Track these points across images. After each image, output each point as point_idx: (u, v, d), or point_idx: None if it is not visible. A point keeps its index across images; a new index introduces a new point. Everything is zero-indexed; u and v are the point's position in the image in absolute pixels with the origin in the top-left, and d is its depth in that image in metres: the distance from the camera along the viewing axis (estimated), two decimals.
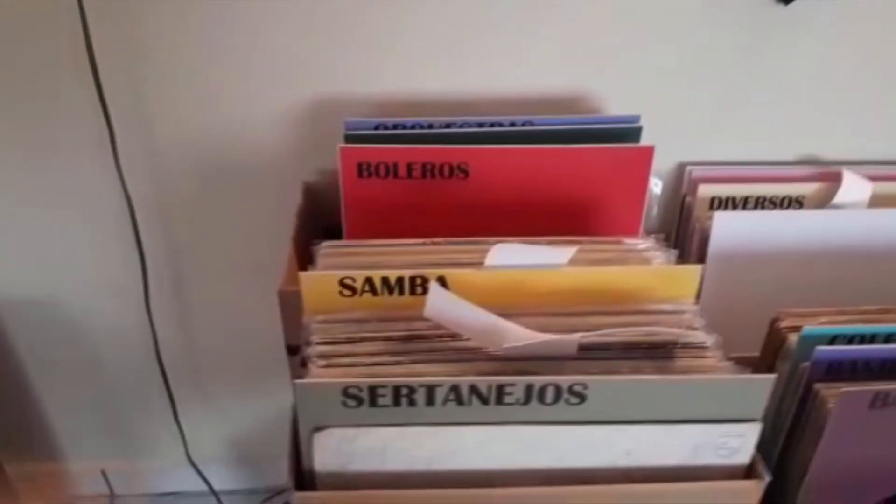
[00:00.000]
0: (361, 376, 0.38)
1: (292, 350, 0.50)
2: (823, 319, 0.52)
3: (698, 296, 0.46)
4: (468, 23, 0.61)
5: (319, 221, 0.62)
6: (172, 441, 0.83)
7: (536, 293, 0.42)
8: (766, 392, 0.37)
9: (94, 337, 0.76)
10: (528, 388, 0.35)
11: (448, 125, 0.57)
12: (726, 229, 0.62)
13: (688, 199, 0.67)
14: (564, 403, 0.35)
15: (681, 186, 0.69)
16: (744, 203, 0.66)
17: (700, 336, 0.41)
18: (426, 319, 0.41)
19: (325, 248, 0.47)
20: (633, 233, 0.56)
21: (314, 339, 0.41)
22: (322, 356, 0.39)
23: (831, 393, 0.46)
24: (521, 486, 0.37)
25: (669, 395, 0.36)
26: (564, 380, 0.35)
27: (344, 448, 0.36)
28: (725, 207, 0.66)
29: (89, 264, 0.71)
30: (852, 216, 0.63)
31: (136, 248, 0.68)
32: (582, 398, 0.35)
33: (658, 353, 0.40)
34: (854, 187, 0.65)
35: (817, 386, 0.48)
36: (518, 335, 0.38)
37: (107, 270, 0.71)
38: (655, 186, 0.57)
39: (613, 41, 0.63)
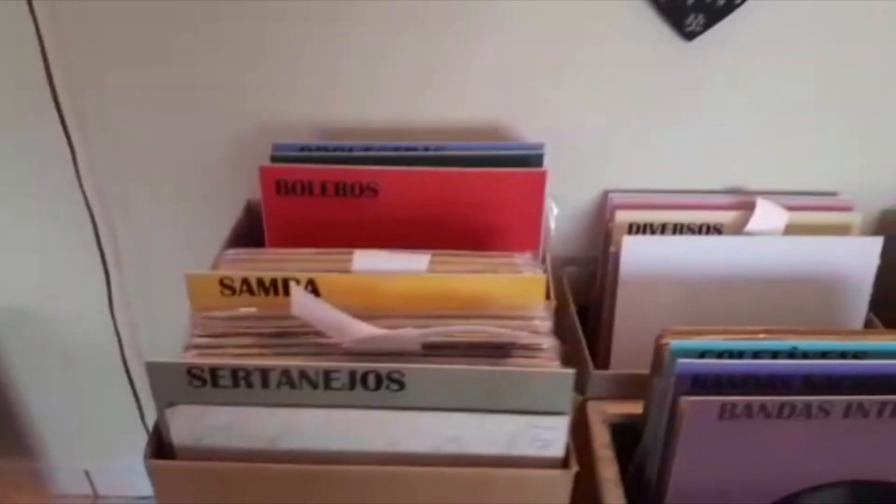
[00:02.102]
0: None
1: None
2: (702, 337, 0.54)
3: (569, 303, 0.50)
4: (400, 57, 0.67)
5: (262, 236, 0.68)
6: None
7: (397, 296, 0.46)
8: (569, 386, 0.40)
9: (67, 342, 0.83)
10: (352, 374, 0.39)
11: (367, 149, 0.62)
12: (635, 253, 0.65)
13: (609, 224, 0.70)
14: (386, 390, 0.39)
15: (604, 213, 0.72)
16: (661, 229, 0.69)
17: (538, 339, 0.44)
18: (297, 318, 0.46)
19: (229, 255, 0.52)
20: (532, 250, 0.59)
21: (195, 332, 0.46)
22: (196, 346, 0.44)
23: (686, 403, 0.49)
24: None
25: (482, 384, 0.39)
26: (383, 367, 0.39)
27: (195, 424, 0.41)
28: (643, 233, 0.69)
29: (56, 273, 0.78)
30: (760, 242, 0.65)
31: (98, 257, 0.75)
32: (401, 385, 0.39)
33: (496, 353, 0.43)
34: (768, 215, 0.67)
35: (680, 398, 0.50)
36: (364, 332, 0.43)
37: (72, 279, 0.78)
38: (551, 210, 0.61)
39: (538, 76, 0.67)
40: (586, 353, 0.63)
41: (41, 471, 0.97)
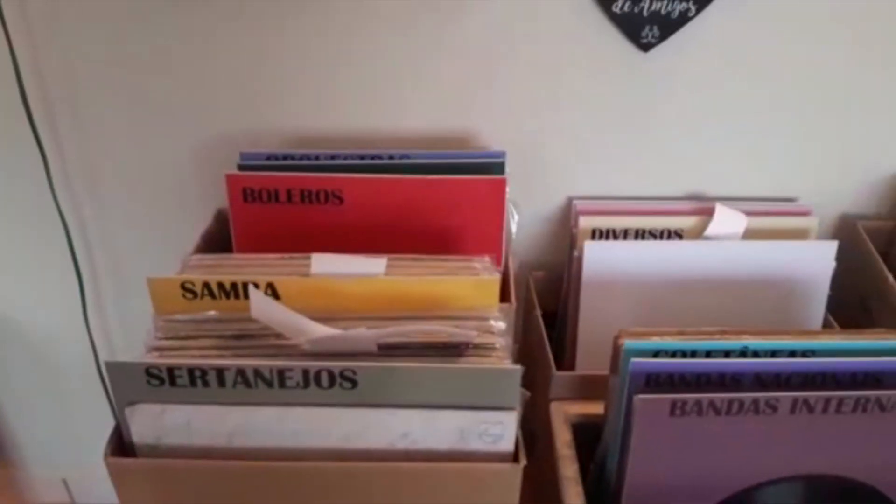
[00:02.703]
0: None
1: None
2: (656, 338, 0.55)
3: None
4: (365, 67, 0.68)
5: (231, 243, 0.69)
6: None
7: (355, 299, 0.48)
8: (516, 382, 0.41)
9: (41, 349, 0.84)
10: (305, 373, 0.40)
11: (333, 157, 0.64)
12: (597, 257, 0.66)
13: (573, 230, 0.72)
14: (339, 388, 0.41)
15: (569, 219, 0.74)
16: (624, 234, 0.70)
17: (491, 339, 0.46)
18: (257, 320, 0.47)
19: (193, 260, 0.53)
20: (494, 254, 0.61)
21: (158, 334, 0.47)
22: (158, 349, 0.46)
23: (638, 401, 0.50)
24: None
25: (432, 381, 0.41)
26: (336, 365, 0.40)
27: (154, 423, 0.42)
28: (606, 238, 0.71)
29: (29, 280, 0.79)
30: (719, 247, 0.67)
31: (72, 264, 0.76)
32: (354, 383, 0.41)
33: (450, 353, 0.44)
34: (727, 220, 0.69)
35: (634, 397, 0.51)
36: (321, 332, 0.44)
37: (46, 286, 0.79)
38: (512, 216, 0.63)
39: (501, 87, 0.69)
40: (549, 354, 0.65)
41: (18, 479, 0.97)
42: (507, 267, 0.63)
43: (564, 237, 0.75)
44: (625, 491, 0.52)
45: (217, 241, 0.68)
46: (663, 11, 0.63)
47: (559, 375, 0.62)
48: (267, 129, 0.72)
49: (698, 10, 0.63)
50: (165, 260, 0.77)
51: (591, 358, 0.69)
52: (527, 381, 0.75)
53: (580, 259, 0.66)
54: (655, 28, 0.63)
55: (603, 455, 0.56)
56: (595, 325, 0.68)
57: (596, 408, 0.59)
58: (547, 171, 0.73)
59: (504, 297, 0.60)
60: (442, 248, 0.60)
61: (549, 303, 0.74)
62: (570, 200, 0.74)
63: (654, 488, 0.52)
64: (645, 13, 0.63)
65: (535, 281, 0.76)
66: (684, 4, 0.62)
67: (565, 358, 0.70)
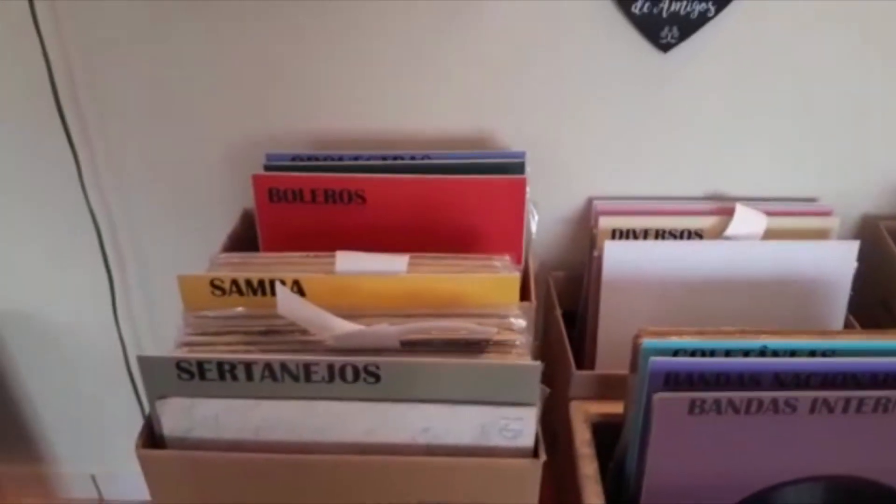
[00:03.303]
0: None
1: None
2: (676, 337, 0.56)
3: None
4: (389, 71, 0.69)
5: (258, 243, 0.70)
6: None
7: (378, 296, 0.49)
8: (536, 378, 0.42)
9: (71, 346, 0.86)
10: (331, 367, 0.41)
11: (356, 158, 0.65)
12: (617, 257, 0.67)
13: (593, 230, 0.72)
14: (363, 382, 0.42)
15: (589, 219, 0.74)
16: (644, 234, 0.71)
17: (512, 336, 0.46)
18: (283, 317, 0.48)
19: (221, 258, 0.55)
20: (514, 254, 0.62)
21: (187, 330, 0.48)
22: (188, 344, 0.47)
23: (657, 399, 0.50)
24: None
25: (453, 377, 0.41)
26: (360, 360, 0.41)
27: (184, 415, 0.43)
28: (626, 238, 0.71)
29: (60, 278, 0.81)
30: (739, 247, 0.67)
31: (102, 263, 0.78)
32: (377, 377, 0.42)
33: (472, 349, 0.45)
34: (747, 220, 0.69)
35: (653, 395, 0.52)
36: (345, 328, 0.45)
37: (76, 284, 0.81)
38: (532, 216, 0.63)
39: (523, 89, 0.70)
40: (569, 353, 0.65)
41: (47, 475, 0.99)
42: (527, 266, 0.64)
43: (584, 237, 0.75)
44: (644, 490, 0.52)
45: (244, 241, 0.69)
46: (682, 12, 0.63)
47: (579, 374, 0.63)
48: (293, 131, 0.73)
49: (718, 11, 0.63)
50: (192, 258, 0.79)
51: (610, 357, 0.69)
52: (547, 380, 0.76)
53: (600, 259, 0.67)
54: (675, 29, 0.64)
55: (622, 454, 0.57)
56: (615, 324, 0.68)
57: (616, 407, 0.59)
58: (567, 172, 0.74)
59: (524, 295, 0.61)
60: (463, 247, 0.61)
61: (569, 302, 0.74)
62: (590, 201, 0.75)
63: (673, 487, 0.52)
64: (664, 14, 0.63)
65: (555, 280, 0.77)
66: (704, 5, 0.63)
67: (585, 357, 0.71)
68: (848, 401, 0.49)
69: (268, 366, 0.42)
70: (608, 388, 0.63)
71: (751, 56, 0.67)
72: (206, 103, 0.72)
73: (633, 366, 0.55)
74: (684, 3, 0.63)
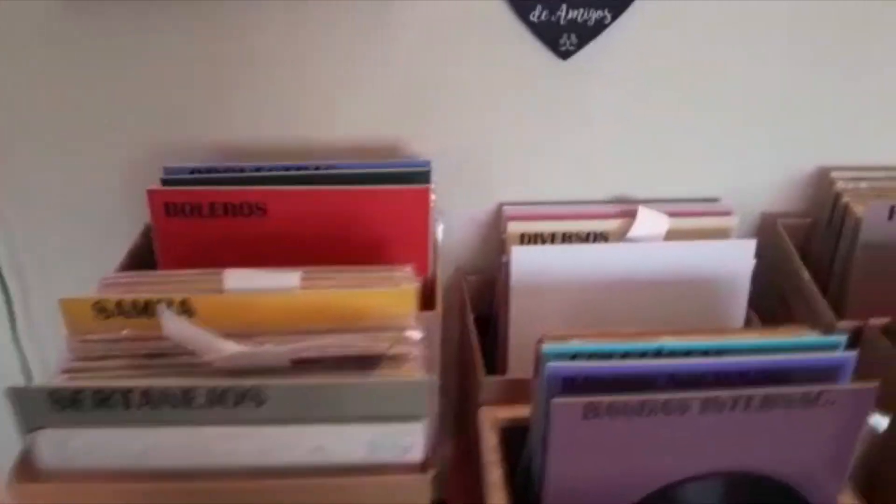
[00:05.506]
0: None
1: None
2: (577, 340, 0.57)
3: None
4: (294, 79, 0.68)
5: None
6: None
7: (271, 314, 0.48)
8: (424, 393, 0.42)
9: None
10: (211, 392, 0.40)
11: (257, 169, 0.64)
12: (524, 262, 0.67)
13: (503, 235, 0.73)
14: (246, 406, 0.41)
15: (500, 225, 0.75)
16: (551, 238, 0.72)
17: (407, 349, 0.46)
18: (170, 339, 0.47)
19: (108, 279, 0.53)
20: (420, 263, 0.61)
21: (70, 356, 0.47)
22: (70, 371, 0.45)
23: (552, 405, 0.51)
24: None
25: (338, 396, 0.41)
26: (241, 384, 0.40)
27: (61, 446, 0.41)
28: (534, 242, 0.72)
29: None
30: (641, 248, 0.69)
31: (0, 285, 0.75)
32: (261, 401, 0.41)
33: (366, 364, 0.45)
34: (649, 222, 0.70)
35: (551, 400, 0.52)
36: (232, 350, 0.44)
37: None
38: (438, 224, 0.63)
39: (431, 97, 0.70)
40: (479, 359, 0.66)
41: None
42: (434, 274, 0.64)
43: (498, 242, 0.76)
44: (545, 494, 0.53)
45: (146, 256, 0.67)
46: (580, 19, 0.64)
47: (487, 380, 0.63)
48: (197, 143, 0.71)
49: (614, 18, 0.64)
50: (95, 278, 0.77)
51: (522, 362, 0.70)
52: (463, 387, 0.76)
53: (508, 264, 0.68)
54: (573, 36, 0.65)
55: (528, 459, 0.57)
56: (525, 328, 0.69)
57: (525, 412, 0.60)
58: (478, 178, 0.74)
59: (431, 304, 0.61)
60: (368, 258, 0.61)
61: (485, 308, 0.75)
62: (500, 206, 0.75)
63: (573, 490, 0.53)
64: (562, 21, 0.64)
65: (470, 285, 0.77)
66: (600, 12, 0.64)
67: (499, 362, 0.71)
68: (737, 399, 0.51)
69: (145, 393, 0.40)
70: (518, 392, 0.63)
71: (649, 61, 0.68)
72: (107, 116, 0.69)
73: (536, 370, 0.56)
74: (581, 10, 0.64)
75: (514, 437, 0.60)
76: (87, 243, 0.75)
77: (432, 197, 0.62)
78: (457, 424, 0.79)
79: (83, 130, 0.69)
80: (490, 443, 0.59)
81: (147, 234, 0.69)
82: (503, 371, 0.70)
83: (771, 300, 0.74)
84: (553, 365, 0.51)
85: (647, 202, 0.72)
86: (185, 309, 0.47)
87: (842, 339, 0.53)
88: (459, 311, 0.76)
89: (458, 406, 0.80)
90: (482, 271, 0.79)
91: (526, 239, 0.72)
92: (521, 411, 0.61)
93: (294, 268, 0.49)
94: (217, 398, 0.41)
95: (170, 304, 0.47)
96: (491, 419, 0.61)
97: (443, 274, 0.76)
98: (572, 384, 0.52)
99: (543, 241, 0.72)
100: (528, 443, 0.58)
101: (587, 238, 0.72)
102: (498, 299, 0.73)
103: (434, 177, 0.69)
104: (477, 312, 0.74)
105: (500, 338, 0.71)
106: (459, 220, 0.76)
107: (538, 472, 0.55)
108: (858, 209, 0.69)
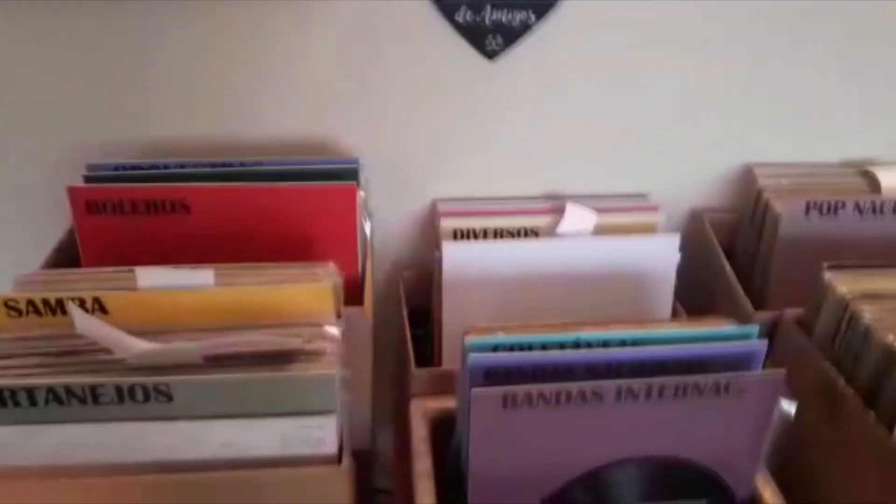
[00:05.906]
0: None
1: None
2: (502, 333, 0.58)
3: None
4: (223, 74, 0.68)
5: None
6: None
7: (185, 312, 0.48)
8: (334, 387, 0.42)
9: None
10: (119, 389, 0.40)
11: (182, 165, 0.63)
12: (456, 258, 0.68)
13: (437, 231, 0.74)
14: (155, 402, 0.41)
15: (435, 221, 0.75)
16: (483, 234, 0.73)
17: (323, 345, 0.47)
18: (83, 336, 0.46)
19: (24, 277, 0.52)
20: (348, 260, 0.62)
21: None
22: None
23: (472, 395, 0.52)
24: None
25: (248, 391, 0.41)
26: (149, 380, 0.40)
27: None
28: (467, 238, 0.73)
29: None
30: (569, 243, 0.70)
31: None
32: (169, 397, 0.41)
33: (280, 360, 0.45)
34: (577, 218, 0.72)
35: (471, 390, 0.53)
36: (143, 347, 0.44)
37: None
38: (367, 222, 0.64)
39: (360, 94, 0.70)
40: (410, 352, 0.66)
41: None
42: (363, 271, 0.64)
43: (434, 237, 0.76)
44: (469, 483, 0.54)
45: (72, 255, 0.66)
46: (505, 20, 0.65)
47: (418, 372, 0.64)
48: (124, 140, 0.70)
49: (539, 18, 0.66)
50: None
51: (455, 355, 0.71)
52: (398, 379, 0.77)
53: (440, 260, 0.68)
54: (499, 37, 0.66)
55: (457, 449, 0.58)
56: (458, 323, 0.69)
57: (453, 402, 0.60)
58: (412, 175, 0.75)
59: (358, 300, 0.61)
60: (295, 256, 0.61)
61: (423, 301, 0.76)
62: (434, 202, 0.76)
63: (496, 479, 0.54)
64: (487, 22, 0.65)
65: (406, 280, 0.78)
66: (524, 13, 0.65)
67: (434, 355, 0.72)
68: (650, 388, 0.52)
69: (51, 390, 0.40)
70: (449, 384, 0.64)
71: (575, 60, 0.69)
72: (27, 113, 0.68)
73: (462, 362, 0.57)
74: (505, 11, 0.64)
75: (446, 428, 0.61)
76: (9, 243, 0.73)
77: (360, 194, 0.62)
78: (397, 415, 0.80)
79: (3, 128, 0.68)
80: (420, 433, 0.59)
81: (73, 233, 0.69)
82: (439, 363, 0.71)
83: (699, 293, 0.76)
84: (475, 356, 0.52)
85: (578, 198, 0.74)
86: (98, 307, 0.47)
87: (754, 329, 0.55)
88: (396, 304, 0.76)
89: (398, 397, 0.81)
90: (420, 265, 0.79)
91: (458, 234, 0.72)
92: (452, 402, 0.62)
93: (211, 265, 0.49)
94: (125, 394, 0.40)
95: (82, 302, 0.47)
96: (421, 410, 0.62)
97: (377, 269, 0.77)
98: (494, 375, 0.53)
99: (475, 237, 0.73)
100: (455, 434, 0.59)
101: (518, 234, 0.73)
102: (433, 293, 0.73)
103: (367, 173, 0.69)
104: (416, 305, 0.74)
105: (434, 331, 0.72)
106: (396, 214, 0.77)
107: (465, 461, 0.56)
108: (778, 205, 0.72)
